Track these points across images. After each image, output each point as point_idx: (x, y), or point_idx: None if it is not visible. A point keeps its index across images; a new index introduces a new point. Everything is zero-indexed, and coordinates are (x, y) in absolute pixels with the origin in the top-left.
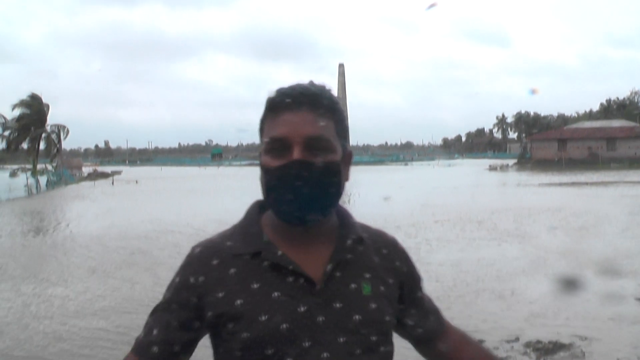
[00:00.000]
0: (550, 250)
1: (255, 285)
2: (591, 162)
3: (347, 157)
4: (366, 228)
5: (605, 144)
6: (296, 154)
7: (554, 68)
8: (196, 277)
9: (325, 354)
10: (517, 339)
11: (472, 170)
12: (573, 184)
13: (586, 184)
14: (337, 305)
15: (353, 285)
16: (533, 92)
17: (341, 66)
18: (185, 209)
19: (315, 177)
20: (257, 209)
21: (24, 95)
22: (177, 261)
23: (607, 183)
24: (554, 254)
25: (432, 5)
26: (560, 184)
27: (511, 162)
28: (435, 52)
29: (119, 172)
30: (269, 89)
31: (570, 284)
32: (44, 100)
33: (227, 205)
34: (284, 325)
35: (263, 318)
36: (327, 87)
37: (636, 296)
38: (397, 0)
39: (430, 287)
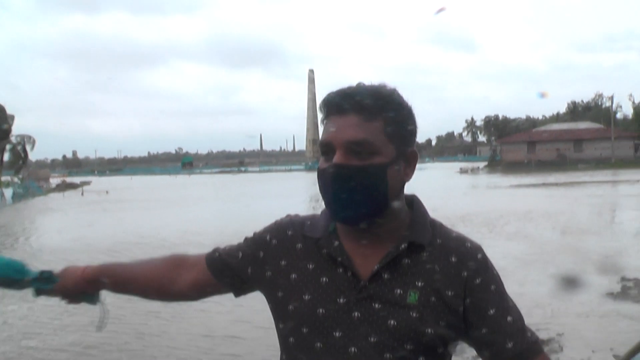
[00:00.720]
0: (522, 249)
1: (311, 266)
2: (559, 164)
3: (410, 157)
4: (444, 232)
5: (572, 146)
6: (337, 157)
7: (521, 72)
8: (271, 237)
9: (353, 349)
10: None
11: (443, 174)
12: (543, 185)
13: (556, 184)
14: (376, 305)
15: (399, 291)
16: (543, 95)
17: (311, 72)
18: (155, 220)
19: (352, 179)
20: None
21: None
22: None
23: (575, 183)
24: (525, 253)
25: (440, 10)
26: (530, 185)
27: (482, 164)
28: (403, 57)
29: (88, 183)
30: (238, 96)
31: (543, 283)
32: (8, 111)
33: (196, 215)
34: (321, 310)
35: (306, 297)
36: (377, 85)
37: (606, 291)
38: (364, 7)
39: None
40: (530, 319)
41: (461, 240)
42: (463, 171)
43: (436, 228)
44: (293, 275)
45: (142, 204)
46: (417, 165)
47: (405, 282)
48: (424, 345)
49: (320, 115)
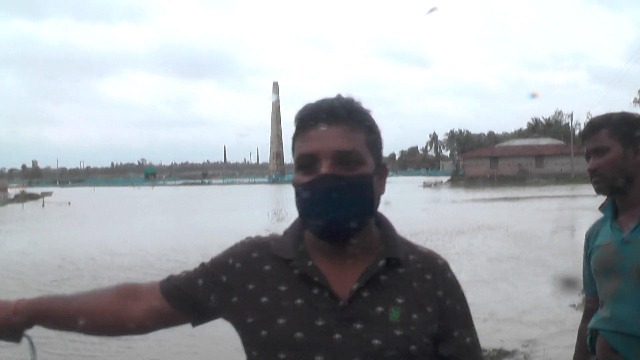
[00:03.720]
0: (485, 261)
1: (283, 288)
2: (521, 178)
3: (382, 170)
4: (414, 247)
5: (534, 161)
6: (324, 168)
7: (474, 88)
8: (234, 261)
9: None
10: None
11: (406, 187)
12: (505, 199)
13: (517, 199)
14: (358, 326)
15: (380, 308)
16: (533, 95)
17: (275, 85)
18: (117, 235)
19: (345, 190)
20: None
21: None
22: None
23: (535, 197)
24: (488, 265)
25: (432, 10)
26: (492, 200)
27: (445, 179)
28: (355, 71)
29: (49, 194)
30: (194, 107)
31: (510, 294)
32: None
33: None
34: (299, 334)
35: (281, 321)
36: (356, 100)
37: (569, 303)
38: (311, 20)
39: None
40: (497, 329)
41: (433, 258)
42: (426, 185)
43: (406, 244)
44: (263, 299)
45: (104, 217)
46: None
47: (385, 300)
48: None
49: (294, 130)
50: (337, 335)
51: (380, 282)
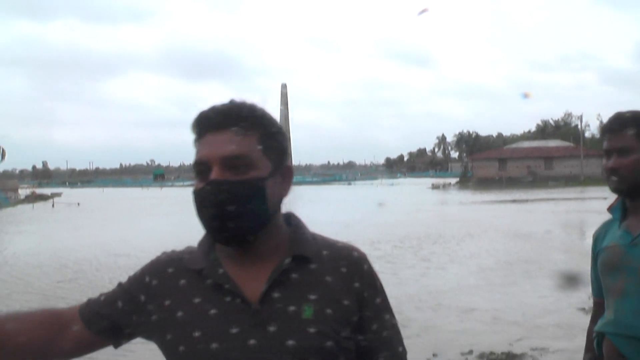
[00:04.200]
0: (493, 264)
1: (197, 300)
2: (530, 181)
3: (286, 172)
4: (329, 243)
5: (543, 163)
6: (213, 174)
7: (482, 90)
8: (151, 278)
9: None
10: (470, 352)
11: (415, 189)
12: (513, 201)
13: (526, 201)
14: (272, 328)
15: (292, 308)
16: (526, 95)
17: (284, 86)
18: (125, 235)
19: (233, 195)
20: None
21: None
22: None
23: (544, 200)
24: (497, 268)
25: (423, 11)
26: (501, 202)
27: (453, 180)
28: (363, 72)
29: (59, 194)
30: (200, 108)
31: (518, 297)
32: None
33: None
34: (214, 345)
35: (196, 334)
36: (249, 102)
37: (578, 306)
38: (318, 21)
39: None
40: (507, 332)
41: (348, 250)
42: (435, 187)
43: (319, 241)
44: (179, 314)
45: (112, 217)
46: (389, 181)
47: (297, 298)
48: None
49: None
50: (252, 341)
51: (291, 281)
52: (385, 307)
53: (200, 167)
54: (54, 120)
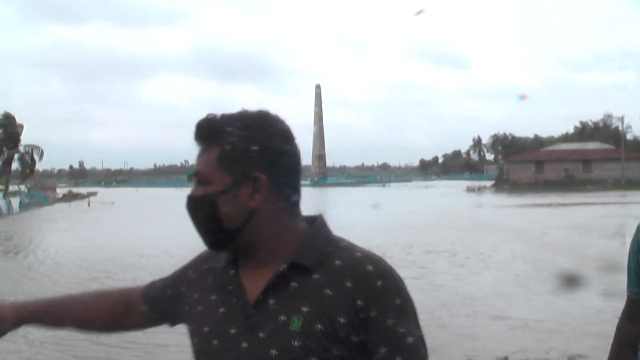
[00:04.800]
0: (531, 270)
1: (213, 297)
2: (567, 184)
3: (258, 182)
4: (348, 253)
5: (581, 166)
6: (191, 189)
7: (517, 90)
8: (191, 271)
9: None
10: (505, 358)
11: (449, 192)
12: (550, 205)
13: (563, 205)
14: (261, 335)
15: (282, 317)
16: (522, 97)
17: (318, 87)
18: (158, 234)
19: (193, 209)
20: None
21: None
22: None
23: (582, 204)
24: (534, 274)
25: (420, 12)
26: (538, 205)
27: (488, 183)
28: (394, 73)
29: (94, 194)
30: (232, 110)
31: (557, 305)
32: (18, 121)
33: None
34: (215, 342)
35: (205, 330)
36: (219, 115)
37: (617, 315)
38: (346, 21)
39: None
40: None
41: (362, 263)
42: (470, 190)
43: (339, 249)
44: (199, 308)
45: (145, 216)
46: (423, 183)
47: (290, 308)
48: None
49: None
50: (244, 344)
51: (289, 289)
52: (399, 332)
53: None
54: (89, 121)
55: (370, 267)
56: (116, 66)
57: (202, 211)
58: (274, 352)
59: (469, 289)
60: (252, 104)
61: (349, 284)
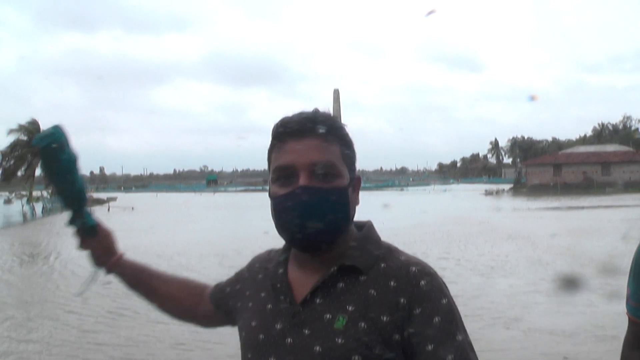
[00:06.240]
0: (543, 272)
1: (262, 294)
2: (586, 187)
3: (356, 182)
4: (395, 257)
5: (600, 169)
6: (302, 180)
7: (533, 93)
8: (246, 270)
9: None
10: None
11: (468, 196)
12: (569, 208)
13: (582, 208)
14: (306, 331)
15: (328, 315)
16: (532, 98)
17: (336, 92)
18: (172, 239)
19: (322, 202)
20: None
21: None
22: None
23: (601, 207)
24: (557, 281)
25: (430, 12)
26: (556, 209)
27: (507, 187)
28: (408, 77)
29: (114, 199)
30: (248, 115)
31: (577, 311)
32: (42, 127)
33: (215, 237)
34: (261, 336)
35: (253, 324)
36: (331, 114)
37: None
38: (360, 25)
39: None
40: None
41: (407, 264)
42: (488, 193)
43: (387, 253)
44: (250, 304)
45: (165, 221)
46: (442, 187)
47: (335, 307)
48: None
49: (270, 142)
50: (289, 340)
51: (337, 289)
52: (447, 328)
53: (284, 173)
54: (108, 127)
55: (414, 269)
56: (130, 73)
57: (336, 202)
58: (317, 348)
59: (487, 294)
60: (267, 108)
61: (392, 284)
